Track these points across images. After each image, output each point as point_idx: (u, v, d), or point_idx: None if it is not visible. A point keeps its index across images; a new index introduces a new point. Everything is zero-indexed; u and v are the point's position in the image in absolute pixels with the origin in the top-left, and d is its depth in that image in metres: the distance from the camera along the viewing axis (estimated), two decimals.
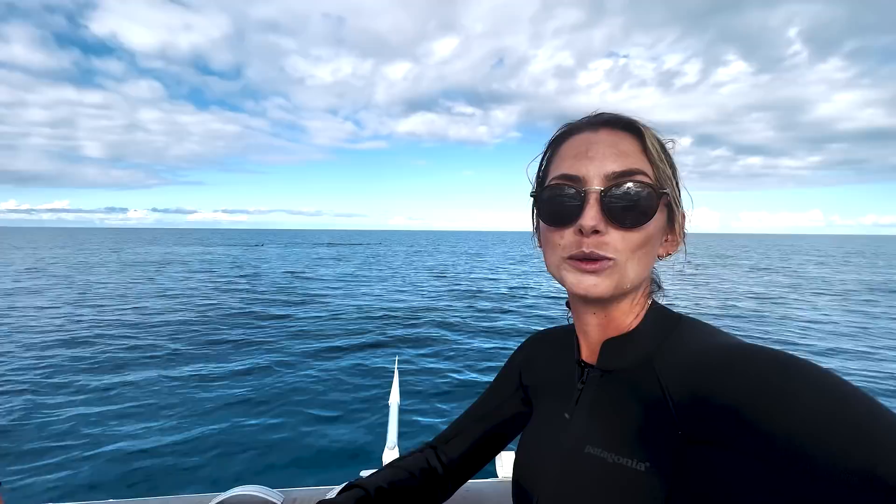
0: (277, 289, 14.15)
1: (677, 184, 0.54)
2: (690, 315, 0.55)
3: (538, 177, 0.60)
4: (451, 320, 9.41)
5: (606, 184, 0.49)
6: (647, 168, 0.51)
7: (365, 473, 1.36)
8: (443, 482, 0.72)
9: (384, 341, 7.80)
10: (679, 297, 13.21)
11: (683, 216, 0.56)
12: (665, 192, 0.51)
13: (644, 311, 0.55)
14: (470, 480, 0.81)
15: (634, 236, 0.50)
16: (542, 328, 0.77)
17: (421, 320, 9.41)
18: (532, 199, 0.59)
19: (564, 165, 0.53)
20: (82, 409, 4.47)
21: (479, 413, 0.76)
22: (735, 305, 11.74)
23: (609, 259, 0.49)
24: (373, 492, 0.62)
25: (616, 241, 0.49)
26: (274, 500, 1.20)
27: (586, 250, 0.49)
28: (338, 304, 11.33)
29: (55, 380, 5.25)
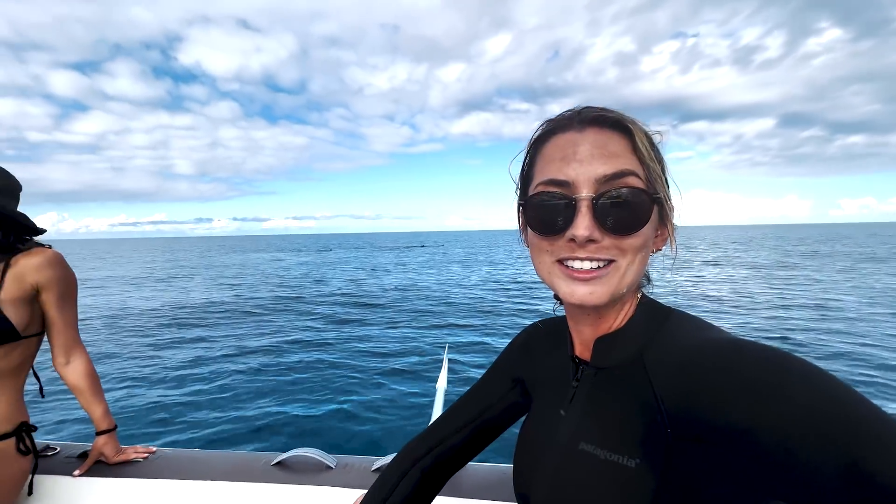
0: (351, 285, 15.37)
1: (666, 179, 0.51)
2: (681, 308, 0.54)
3: (522, 177, 0.58)
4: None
5: (597, 189, 0.47)
6: (638, 169, 0.48)
7: None
8: (440, 478, 0.75)
9: (438, 331, 8.48)
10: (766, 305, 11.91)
11: (672, 208, 0.53)
12: (657, 196, 0.49)
13: (634, 307, 0.54)
14: (469, 463, 0.83)
15: (630, 241, 0.48)
16: (537, 319, 0.76)
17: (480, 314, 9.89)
18: (518, 204, 0.56)
19: (551, 169, 0.50)
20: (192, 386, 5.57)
21: (473, 405, 0.74)
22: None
23: (608, 264, 0.48)
24: None
25: (613, 247, 0.48)
26: (328, 463, 1.32)
27: (582, 255, 0.48)
28: (401, 296, 12.15)
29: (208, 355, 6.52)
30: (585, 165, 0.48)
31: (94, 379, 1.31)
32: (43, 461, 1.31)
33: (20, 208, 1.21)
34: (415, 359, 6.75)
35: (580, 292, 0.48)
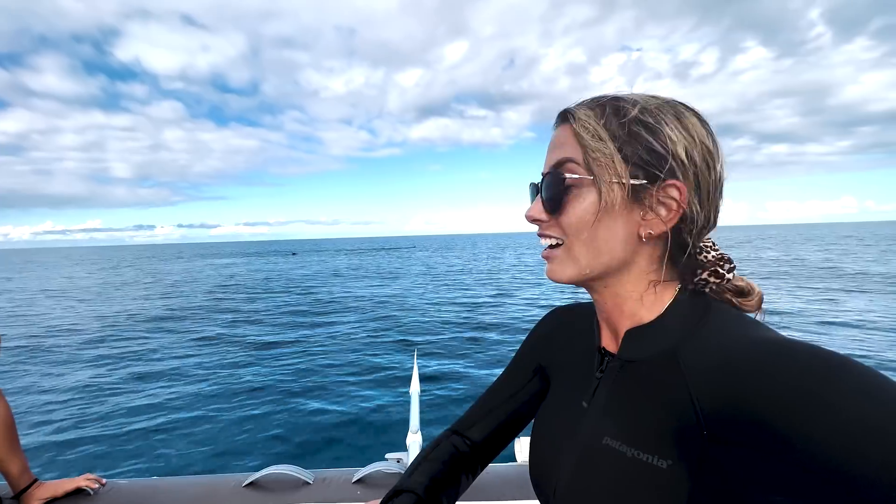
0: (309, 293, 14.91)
1: (626, 157, 0.48)
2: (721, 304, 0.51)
3: None
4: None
5: (544, 176, 0.52)
6: (576, 153, 0.50)
7: (390, 456, 1.53)
8: (472, 466, 0.75)
9: (405, 335, 8.42)
10: None
11: (669, 188, 0.48)
12: (591, 177, 0.48)
13: (669, 301, 0.52)
14: (490, 464, 0.83)
15: (566, 220, 0.50)
16: (565, 304, 0.76)
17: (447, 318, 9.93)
18: None
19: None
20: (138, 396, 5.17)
21: (500, 395, 0.75)
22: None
23: (558, 244, 0.52)
24: (423, 493, 0.65)
25: (552, 227, 0.52)
26: (306, 479, 1.26)
27: (538, 234, 0.54)
28: (361, 303, 11.97)
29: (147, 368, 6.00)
30: (547, 159, 0.54)
31: (10, 431, 1.12)
32: None
33: None
34: (385, 365, 6.66)
35: (547, 270, 0.54)
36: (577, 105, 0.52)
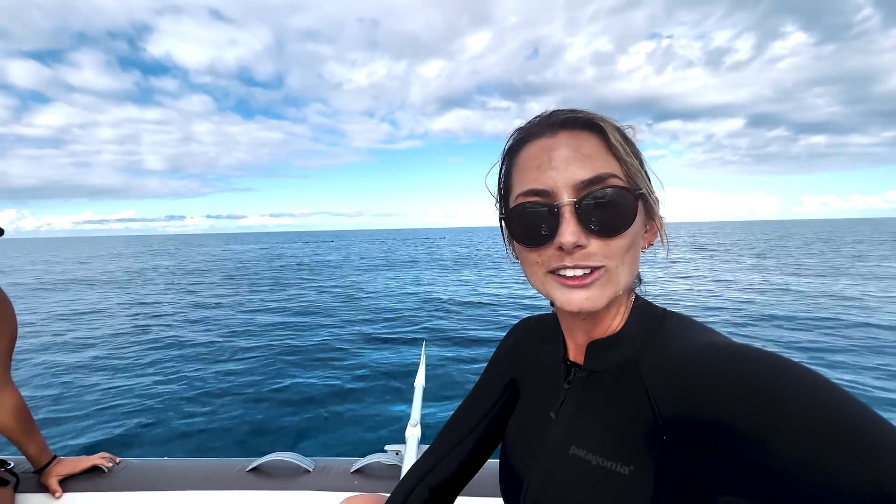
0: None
1: (646, 172, 0.50)
2: (674, 310, 0.52)
3: (499, 190, 0.56)
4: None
5: (578, 194, 0.46)
6: (615, 168, 0.47)
7: (390, 448, 1.54)
8: (447, 498, 0.73)
9: (414, 327, 8.49)
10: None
11: (657, 200, 0.52)
12: (640, 191, 0.47)
13: (629, 310, 0.53)
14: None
15: (619, 242, 0.46)
16: (528, 315, 0.74)
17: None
18: (499, 218, 0.55)
19: (529, 178, 0.49)
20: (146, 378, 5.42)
21: (472, 417, 0.72)
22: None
23: (599, 268, 0.46)
24: None
25: (602, 250, 0.46)
26: (306, 466, 1.31)
27: (569, 263, 0.46)
28: (371, 292, 12.13)
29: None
30: (562, 171, 0.47)
31: (25, 416, 1.20)
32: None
33: None
34: (392, 356, 6.73)
35: (576, 299, 0.47)
36: (584, 115, 0.49)
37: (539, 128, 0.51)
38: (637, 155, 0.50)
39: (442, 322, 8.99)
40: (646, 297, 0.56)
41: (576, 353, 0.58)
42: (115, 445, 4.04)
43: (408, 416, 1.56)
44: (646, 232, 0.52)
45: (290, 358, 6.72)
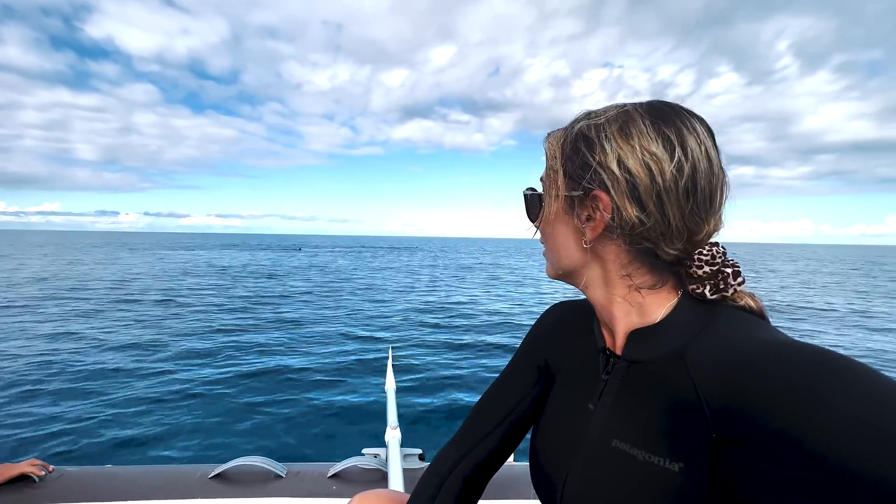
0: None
1: (570, 173, 0.52)
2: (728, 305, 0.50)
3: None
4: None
5: None
6: (543, 171, 0.58)
7: (367, 451, 1.48)
8: (477, 488, 0.71)
9: (381, 331, 8.35)
10: None
11: (592, 199, 0.50)
12: (537, 193, 0.59)
13: (673, 304, 0.51)
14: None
15: (540, 229, 0.60)
16: (564, 299, 0.74)
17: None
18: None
19: None
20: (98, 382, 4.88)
21: (505, 402, 0.70)
22: None
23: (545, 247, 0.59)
24: None
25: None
26: (278, 472, 1.22)
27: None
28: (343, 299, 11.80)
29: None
30: None
31: None
32: None
33: None
34: (359, 359, 6.59)
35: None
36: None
37: None
38: (565, 155, 0.54)
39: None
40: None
41: (612, 342, 0.57)
42: (47, 453, 3.57)
43: (382, 420, 1.51)
44: (581, 228, 0.54)
45: (255, 360, 6.35)
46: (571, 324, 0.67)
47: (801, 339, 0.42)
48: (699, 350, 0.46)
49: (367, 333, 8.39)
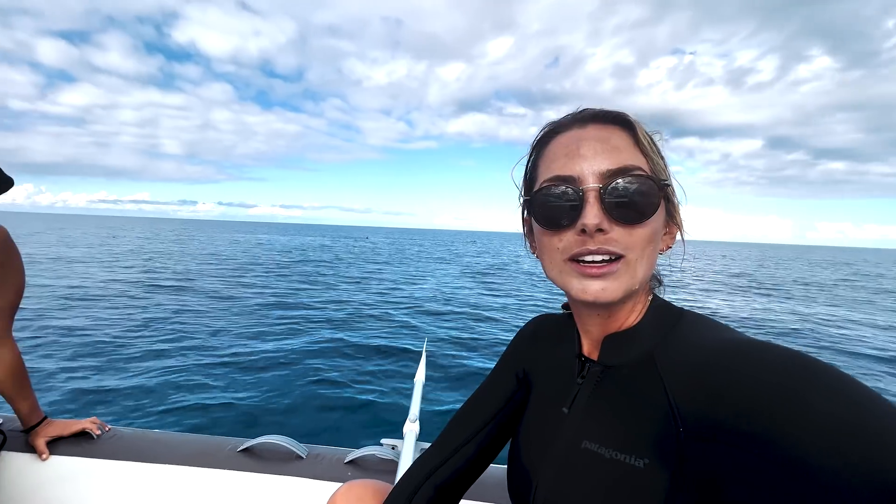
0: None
1: (669, 175, 0.51)
2: (694, 310, 0.52)
3: (525, 181, 0.57)
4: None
5: (604, 181, 0.47)
6: (641, 161, 0.48)
7: (386, 441, 1.54)
8: (454, 496, 0.70)
9: (417, 323, 8.49)
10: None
11: (678, 205, 0.54)
12: (667, 184, 0.49)
13: (646, 307, 0.53)
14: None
15: (641, 232, 0.47)
16: (542, 313, 0.75)
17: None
18: (523, 203, 0.56)
19: (556, 166, 0.50)
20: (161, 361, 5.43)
21: (483, 412, 0.69)
22: None
23: (619, 257, 0.47)
24: None
25: (623, 238, 0.47)
26: (299, 452, 1.27)
27: (592, 248, 0.47)
28: (378, 289, 12.16)
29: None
30: (590, 160, 0.48)
31: (20, 373, 1.17)
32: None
33: None
34: (395, 350, 6.72)
35: (593, 288, 0.48)
36: (614, 112, 0.52)
37: (570, 122, 0.53)
38: (663, 157, 0.52)
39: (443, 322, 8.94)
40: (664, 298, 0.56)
41: (590, 349, 0.58)
42: (106, 413, 4.04)
43: (406, 412, 1.55)
44: (665, 234, 0.53)
45: (292, 343, 6.74)
46: (550, 334, 0.68)
47: (763, 339, 0.42)
48: (667, 351, 0.47)
49: (410, 322, 8.61)
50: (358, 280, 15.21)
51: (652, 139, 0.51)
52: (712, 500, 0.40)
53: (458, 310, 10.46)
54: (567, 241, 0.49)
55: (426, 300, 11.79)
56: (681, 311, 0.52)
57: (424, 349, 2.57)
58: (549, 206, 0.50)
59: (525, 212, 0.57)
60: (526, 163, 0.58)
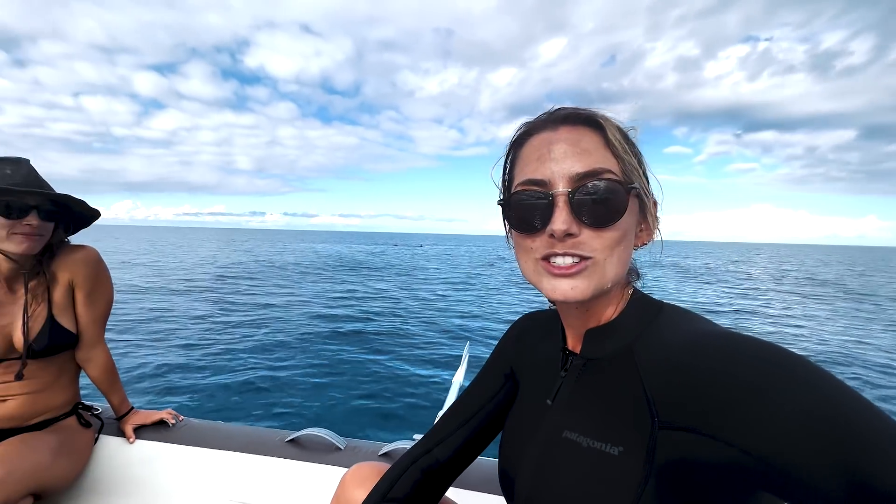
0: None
1: (644, 172, 0.52)
2: (672, 303, 0.54)
3: (503, 181, 0.59)
4: None
5: (573, 185, 0.48)
6: (611, 163, 0.49)
7: (417, 437, 1.61)
8: (441, 484, 0.73)
9: (461, 325, 8.59)
10: None
11: (655, 203, 0.54)
12: (633, 186, 0.49)
13: (625, 301, 0.54)
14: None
15: (609, 234, 0.48)
16: (530, 311, 0.77)
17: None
18: (500, 206, 0.57)
19: (528, 169, 0.51)
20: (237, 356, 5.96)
21: (471, 405, 0.73)
22: None
23: (587, 258, 0.48)
24: None
25: (591, 240, 0.48)
26: (338, 444, 1.36)
27: (559, 251, 0.48)
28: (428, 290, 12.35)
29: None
30: (560, 163, 0.49)
31: (112, 372, 1.39)
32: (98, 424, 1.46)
33: (97, 197, 1.33)
34: (439, 351, 6.86)
35: (562, 288, 0.49)
36: (586, 112, 0.52)
37: (543, 123, 0.54)
38: (636, 155, 0.52)
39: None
40: (643, 291, 0.58)
41: (574, 343, 0.60)
42: (178, 406, 4.63)
43: (441, 409, 1.58)
44: (640, 231, 0.55)
45: (333, 342, 7.10)
46: (537, 330, 0.71)
47: (736, 330, 0.43)
48: (646, 343, 0.49)
49: (457, 323, 8.70)
50: (409, 286, 15.57)
51: (626, 138, 0.52)
52: (690, 488, 0.40)
53: (503, 315, 10.35)
54: (539, 242, 0.51)
55: (469, 303, 11.79)
56: (660, 305, 0.54)
57: (466, 351, 2.66)
58: (521, 210, 0.52)
59: (503, 213, 0.58)
60: (503, 163, 0.59)
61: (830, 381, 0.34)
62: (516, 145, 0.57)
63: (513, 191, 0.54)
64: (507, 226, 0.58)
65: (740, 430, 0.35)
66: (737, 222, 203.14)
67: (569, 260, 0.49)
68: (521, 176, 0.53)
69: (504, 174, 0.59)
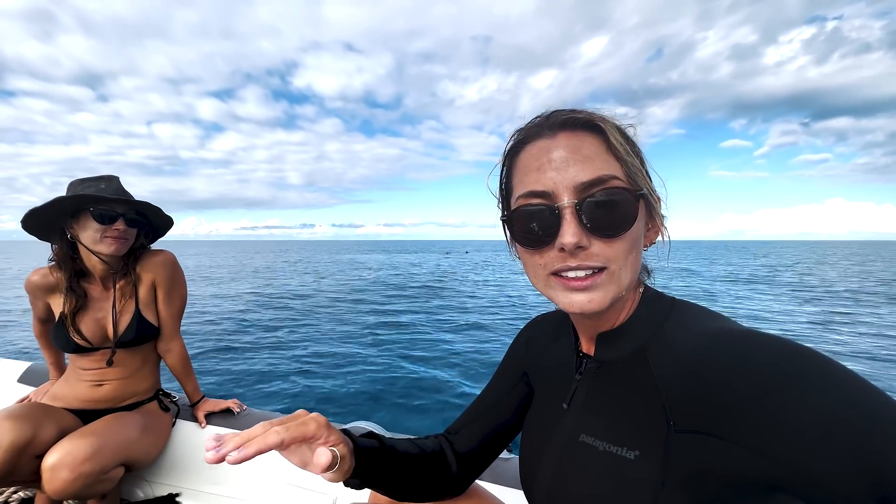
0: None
1: (647, 171, 0.50)
2: (684, 298, 0.52)
3: (501, 192, 0.56)
4: None
5: (579, 196, 0.46)
6: (615, 168, 0.47)
7: None
8: (454, 471, 0.71)
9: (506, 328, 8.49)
10: None
11: (658, 200, 0.52)
12: (641, 192, 0.47)
13: (636, 302, 0.53)
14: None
15: (621, 243, 0.46)
16: (541, 313, 0.76)
17: None
18: (502, 221, 0.55)
19: (529, 180, 0.49)
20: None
21: (485, 403, 0.74)
22: None
23: (602, 269, 0.47)
24: (386, 446, 0.63)
25: (603, 251, 0.46)
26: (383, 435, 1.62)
27: (573, 264, 0.46)
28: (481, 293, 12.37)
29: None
30: (562, 172, 0.47)
31: (187, 362, 1.57)
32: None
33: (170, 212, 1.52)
34: (494, 351, 6.89)
35: (579, 301, 0.47)
36: (584, 116, 0.49)
37: (539, 129, 0.51)
38: (638, 154, 0.51)
39: None
40: (654, 288, 0.57)
41: (587, 346, 0.59)
42: (240, 396, 5.04)
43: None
44: (648, 231, 0.53)
45: (384, 337, 7.33)
46: (550, 333, 0.70)
47: (754, 328, 0.41)
48: (658, 344, 0.48)
49: (504, 328, 8.66)
50: (459, 291, 15.67)
51: (626, 138, 0.49)
52: (705, 490, 0.39)
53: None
54: (548, 257, 0.49)
55: (509, 305, 11.66)
56: (671, 302, 0.52)
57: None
58: (527, 226, 0.49)
59: (505, 226, 0.55)
60: (500, 172, 0.57)
61: (847, 377, 0.33)
62: (512, 153, 0.54)
63: (514, 204, 0.51)
64: (511, 239, 0.56)
65: (757, 434, 0.34)
66: (808, 218, 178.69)
67: (582, 273, 0.47)
68: (521, 187, 0.50)
69: (501, 185, 0.57)
